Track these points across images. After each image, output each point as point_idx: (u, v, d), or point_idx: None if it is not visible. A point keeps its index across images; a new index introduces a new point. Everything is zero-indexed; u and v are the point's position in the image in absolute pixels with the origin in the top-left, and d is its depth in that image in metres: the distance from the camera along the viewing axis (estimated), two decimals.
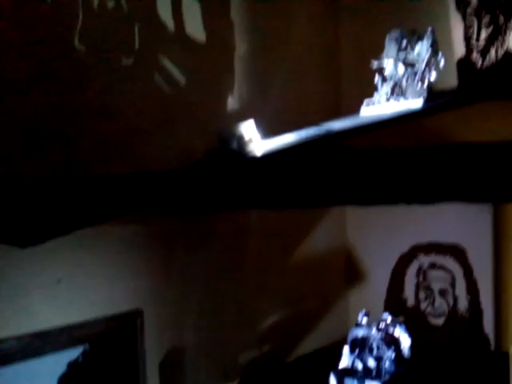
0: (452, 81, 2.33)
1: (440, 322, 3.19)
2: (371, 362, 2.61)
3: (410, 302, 3.25)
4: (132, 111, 1.91)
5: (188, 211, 2.06)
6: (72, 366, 1.86)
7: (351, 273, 3.31)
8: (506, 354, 2.98)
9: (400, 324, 2.69)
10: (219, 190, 1.46)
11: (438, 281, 3.18)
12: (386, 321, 2.69)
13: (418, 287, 3.23)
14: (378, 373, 2.57)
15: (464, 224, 3.09)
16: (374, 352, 2.64)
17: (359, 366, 2.62)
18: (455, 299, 3.16)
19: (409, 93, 2.19)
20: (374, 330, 2.62)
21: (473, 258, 3.10)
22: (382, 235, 3.25)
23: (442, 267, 3.17)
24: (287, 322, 2.76)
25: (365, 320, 2.68)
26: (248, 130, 1.81)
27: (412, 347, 2.69)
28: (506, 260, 3.03)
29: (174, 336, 2.25)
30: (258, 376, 2.43)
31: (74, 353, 1.87)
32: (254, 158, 1.55)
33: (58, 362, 1.81)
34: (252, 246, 2.54)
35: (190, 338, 2.31)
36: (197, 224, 2.22)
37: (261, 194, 1.79)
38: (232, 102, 2.15)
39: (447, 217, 3.14)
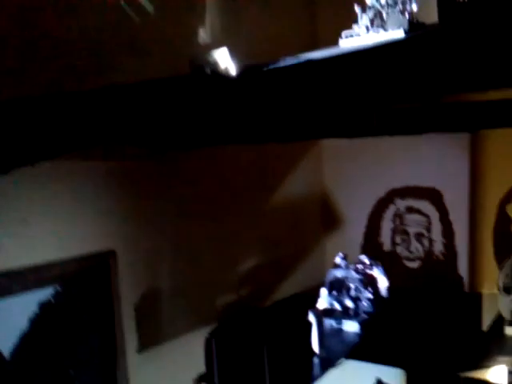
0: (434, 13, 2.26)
1: (416, 265, 3.21)
2: (349, 303, 2.62)
3: (387, 246, 3.25)
4: (106, 34, 1.79)
5: (164, 147, 1.98)
6: (44, 306, 1.79)
7: (328, 218, 3.29)
8: (479, 295, 3.05)
9: (377, 265, 2.70)
10: (198, 115, 1.37)
11: (414, 225, 3.19)
12: (363, 262, 2.69)
13: (394, 231, 3.23)
14: (355, 313, 2.59)
15: (440, 167, 3.08)
16: (352, 293, 2.65)
17: (337, 306, 2.63)
18: (431, 242, 3.17)
19: (389, 24, 2.12)
20: (351, 272, 2.62)
21: (449, 201, 3.10)
22: (358, 180, 3.22)
23: (418, 211, 3.17)
24: (265, 266, 2.73)
25: (342, 262, 2.68)
26: (221, 57, 1.71)
27: (389, 289, 2.72)
28: (481, 203, 3.05)
29: (149, 278, 2.19)
30: (235, 320, 2.41)
31: (45, 293, 1.80)
32: (230, 79, 1.46)
33: (28, 303, 1.74)
34: (228, 188, 2.48)
35: (165, 280, 2.26)
36: (171, 163, 2.14)
37: (236, 123, 1.71)
38: (205, 30, 2.05)
39: (424, 161, 3.12)
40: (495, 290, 2.87)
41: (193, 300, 2.38)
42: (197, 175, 2.31)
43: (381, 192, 3.21)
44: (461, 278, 3.14)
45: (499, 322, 2.59)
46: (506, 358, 2.23)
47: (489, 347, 2.35)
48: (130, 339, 2.12)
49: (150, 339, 2.20)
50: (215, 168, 2.42)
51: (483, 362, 2.16)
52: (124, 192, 2.04)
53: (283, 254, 2.90)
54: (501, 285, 2.56)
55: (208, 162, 2.33)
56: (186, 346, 2.27)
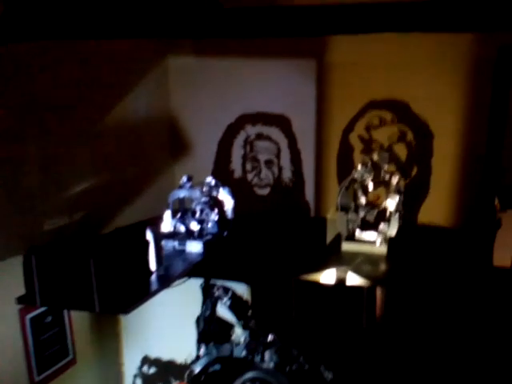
0: None
1: (265, 192, 3.24)
2: (194, 225, 2.55)
3: (237, 173, 3.23)
4: None
5: None
6: None
7: (176, 143, 3.17)
8: (324, 219, 3.17)
9: (223, 187, 2.65)
10: None
11: (264, 152, 3.19)
12: (209, 184, 2.63)
13: (244, 158, 3.21)
14: (200, 235, 2.54)
15: (289, 94, 3.09)
16: (197, 215, 2.59)
17: (181, 229, 2.55)
18: (280, 170, 3.21)
19: None
20: (196, 193, 2.55)
21: (297, 128, 3.14)
22: (208, 105, 3.12)
23: (268, 138, 3.17)
24: (104, 189, 2.55)
25: (187, 184, 2.60)
26: None
27: (235, 210, 2.68)
28: (326, 131, 3.13)
29: None
30: (68, 243, 2.22)
31: None
32: None
33: None
34: (50, 99, 2.22)
35: None
36: None
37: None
38: None
39: (273, 87, 3.10)
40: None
41: (18, 223, 2.15)
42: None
43: (231, 118, 3.15)
44: (308, 204, 3.25)
45: (338, 239, 2.71)
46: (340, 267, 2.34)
47: (326, 259, 2.44)
48: None
49: None
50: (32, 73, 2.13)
51: (318, 269, 2.24)
52: None
53: (126, 178, 2.74)
54: (339, 204, 2.65)
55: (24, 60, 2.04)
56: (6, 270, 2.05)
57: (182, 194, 2.49)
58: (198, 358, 1.74)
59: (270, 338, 1.74)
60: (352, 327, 1.90)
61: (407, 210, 2.75)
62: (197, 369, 1.68)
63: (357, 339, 2.03)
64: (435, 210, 3.01)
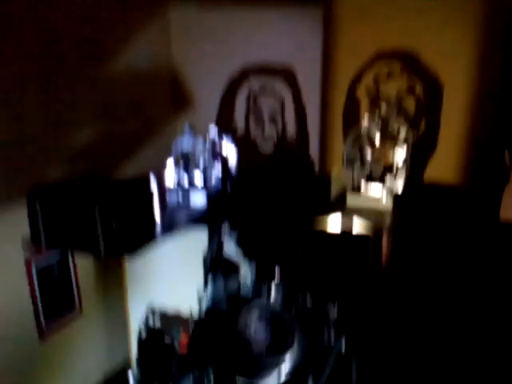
0: None
1: (269, 148, 3.17)
2: (197, 177, 2.49)
3: (240, 128, 3.15)
4: None
5: None
6: None
7: (178, 96, 3.07)
8: (329, 176, 3.10)
9: (227, 137, 2.58)
10: None
11: (268, 106, 3.10)
12: (213, 134, 2.55)
13: (248, 112, 3.12)
14: (203, 186, 2.47)
15: (294, 45, 2.98)
16: (201, 167, 2.52)
17: (184, 180, 2.49)
18: (284, 125, 3.13)
19: None
20: (199, 142, 2.48)
21: (302, 81, 3.04)
22: (210, 56, 3.02)
23: (272, 91, 3.08)
24: (105, 140, 2.47)
25: (190, 133, 2.52)
26: None
27: (239, 170, 2.61)
28: (332, 83, 3.03)
29: None
30: (73, 187, 2.15)
31: None
32: None
33: None
34: (56, 47, 2.13)
35: None
36: None
37: None
38: None
39: (278, 38, 2.99)
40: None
41: (19, 171, 2.09)
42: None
43: (234, 70, 3.05)
44: (312, 161, 3.17)
45: (342, 195, 2.65)
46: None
47: (330, 211, 2.39)
48: None
49: None
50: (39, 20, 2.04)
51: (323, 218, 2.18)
52: None
53: (128, 129, 2.66)
54: (345, 157, 2.59)
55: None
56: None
57: (185, 142, 2.41)
58: (205, 294, 1.70)
59: (276, 276, 1.70)
60: (357, 275, 1.86)
61: (414, 167, 2.69)
62: (204, 305, 1.64)
63: (362, 284, 1.99)
64: (443, 167, 2.94)
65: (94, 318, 2.83)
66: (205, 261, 1.73)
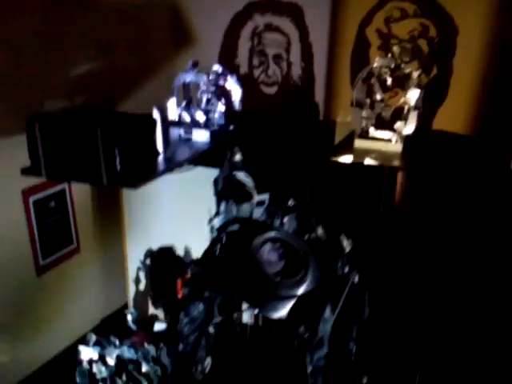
0: None
1: (273, 90, 3.04)
2: (200, 115, 2.37)
3: (244, 68, 3.01)
4: None
5: None
6: None
7: (178, 34, 2.91)
8: (333, 123, 2.99)
9: (231, 75, 2.45)
10: None
11: (272, 45, 2.95)
12: (216, 72, 2.42)
13: (251, 52, 2.97)
14: (206, 124, 2.36)
15: None
16: (203, 105, 2.40)
17: (187, 118, 2.37)
18: (289, 66, 2.99)
19: None
20: (203, 78, 2.35)
21: (309, 19, 2.88)
22: None
23: (277, 29, 2.92)
24: (105, 75, 2.33)
25: (193, 69, 2.39)
26: None
27: (242, 101, 2.49)
28: (341, 24, 2.88)
29: None
30: (74, 115, 2.04)
31: None
32: None
33: None
34: None
35: None
36: None
37: None
38: None
39: None
40: (349, 119, 2.82)
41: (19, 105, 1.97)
42: None
43: (238, 6, 2.88)
44: (317, 105, 3.05)
45: (349, 138, 2.55)
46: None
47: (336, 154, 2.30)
48: None
49: None
50: None
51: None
52: None
53: (128, 65, 2.52)
54: (354, 98, 2.47)
55: None
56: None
57: (188, 77, 2.29)
58: (217, 214, 1.62)
59: (290, 203, 1.63)
60: (369, 210, 1.79)
61: (424, 112, 2.58)
62: (216, 224, 1.57)
63: (374, 222, 1.93)
64: (453, 116, 2.83)
65: (92, 255, 2.76)
66: (216, 181, 1.65)
